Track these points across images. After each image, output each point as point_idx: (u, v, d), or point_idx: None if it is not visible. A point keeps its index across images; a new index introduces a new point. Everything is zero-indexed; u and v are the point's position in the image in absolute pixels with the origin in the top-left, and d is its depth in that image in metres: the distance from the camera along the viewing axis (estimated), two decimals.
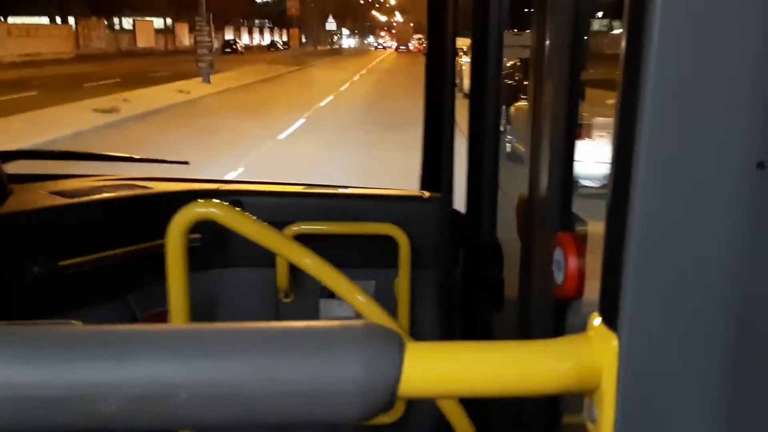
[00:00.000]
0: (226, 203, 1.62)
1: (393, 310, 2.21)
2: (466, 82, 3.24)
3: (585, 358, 0.63)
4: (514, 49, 5.37)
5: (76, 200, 2.08)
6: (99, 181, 2.34)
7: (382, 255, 2.24)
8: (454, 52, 2.33)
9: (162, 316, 2.06)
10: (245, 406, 0.59)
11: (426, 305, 2.34)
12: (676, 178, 0.59)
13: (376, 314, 1.60)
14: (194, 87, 22.80)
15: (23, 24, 43.53)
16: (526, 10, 1.58)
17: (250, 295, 2.38)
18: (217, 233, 2.16)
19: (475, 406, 1.60)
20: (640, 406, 0.62)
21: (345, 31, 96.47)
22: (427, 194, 2.39)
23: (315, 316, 2.37)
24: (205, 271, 2.27)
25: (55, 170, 2.44)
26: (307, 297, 2.37)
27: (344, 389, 0.59)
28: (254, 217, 1.63)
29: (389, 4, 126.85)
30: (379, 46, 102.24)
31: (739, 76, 0.57)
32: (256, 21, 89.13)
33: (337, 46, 74.30)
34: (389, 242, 2.19)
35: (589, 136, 4.21)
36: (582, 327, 0.67)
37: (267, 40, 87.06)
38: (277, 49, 74.10)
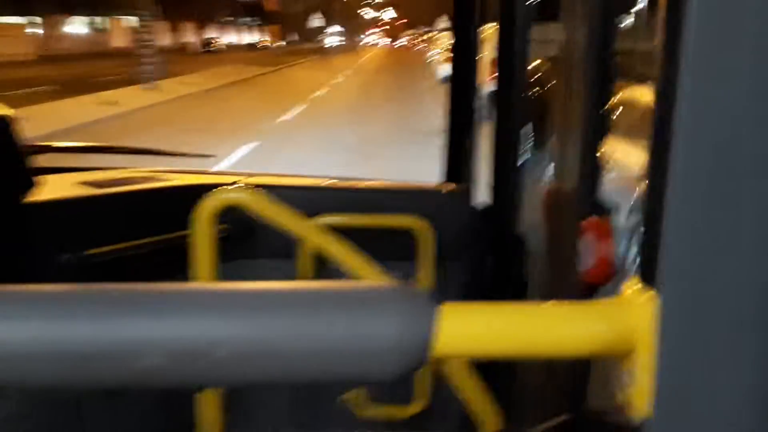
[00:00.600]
0: (255, 189, 1.65)
1: None
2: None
3: (621, 320, 0.63)
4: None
5: (104, 191, 2.16)
6: (125, 173, 2.43)
7: (405, 247, 2.21)
8: (478, 44, 2.40)
9: None
10: (282, 364, 0.60)
11: (450, 297, 1.78)
12: (714, 137, 0.54)
13: None
14: (131, 96, 18.96)
15: None
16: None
17: None
18: (242, 223, 2.13)
19: (499, 396, 1.66)
20: (679, 370, 0.57)
21: (338, 28, 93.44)
22: (451, 186, 2.45)
23: None
24: (228, 262, 2.08)
25: (80, 164, 2.50)
26: None
27: (380, 346, 0.60)
28: (284, 205, 1.65)
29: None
30: (369, 43, 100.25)
31: None
32: (248, 19, 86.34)
33: (327, 45, 71.61)
34: (413, 235, 2.20)
35: None
36: None
37: (257, 38, 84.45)
38: (263, 47, 71.43)
